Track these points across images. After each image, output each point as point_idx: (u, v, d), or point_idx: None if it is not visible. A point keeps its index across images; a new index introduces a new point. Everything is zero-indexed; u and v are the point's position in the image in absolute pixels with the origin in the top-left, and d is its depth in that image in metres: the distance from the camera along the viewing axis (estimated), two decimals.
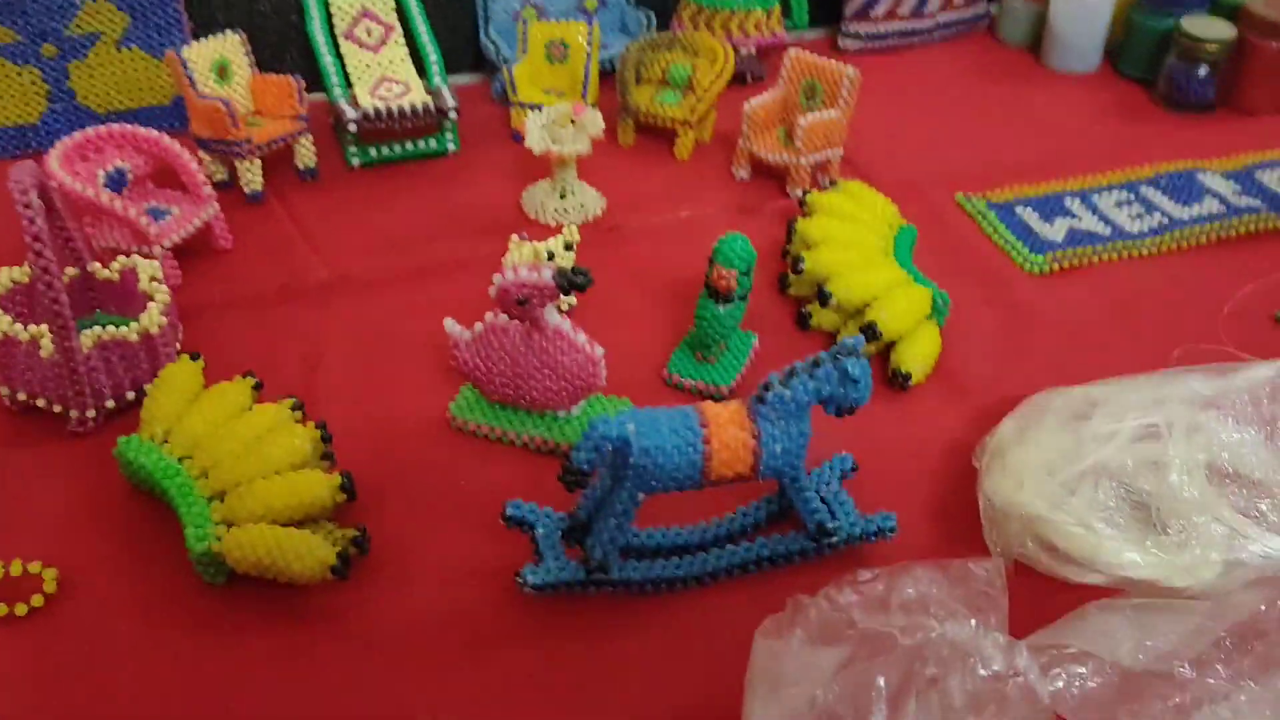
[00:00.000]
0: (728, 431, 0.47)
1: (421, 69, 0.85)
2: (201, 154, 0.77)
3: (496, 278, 0.53)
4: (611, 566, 0.49)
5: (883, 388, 0.62)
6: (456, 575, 0.52)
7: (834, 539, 0.51)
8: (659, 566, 0.50)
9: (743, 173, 0.82)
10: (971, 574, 0.46)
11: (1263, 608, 0.48)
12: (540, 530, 0.50)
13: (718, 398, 0.61)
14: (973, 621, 0.45)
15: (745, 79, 0.94)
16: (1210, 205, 0.76)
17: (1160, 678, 0.42)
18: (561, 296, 0.54)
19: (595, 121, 0.74)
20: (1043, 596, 0.49)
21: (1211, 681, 0.42)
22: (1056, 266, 0.72)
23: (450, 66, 0.95)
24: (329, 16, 0.84)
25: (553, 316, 0.55)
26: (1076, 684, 0.42)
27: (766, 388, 0.47)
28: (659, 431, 0.46)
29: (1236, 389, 0.55)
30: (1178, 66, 0.89)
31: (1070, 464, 0.52)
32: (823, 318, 0.65)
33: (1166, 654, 0.45)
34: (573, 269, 0.52)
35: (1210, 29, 0.87)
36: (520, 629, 0.50)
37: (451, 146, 0.83)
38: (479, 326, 0.57)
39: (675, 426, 0.47)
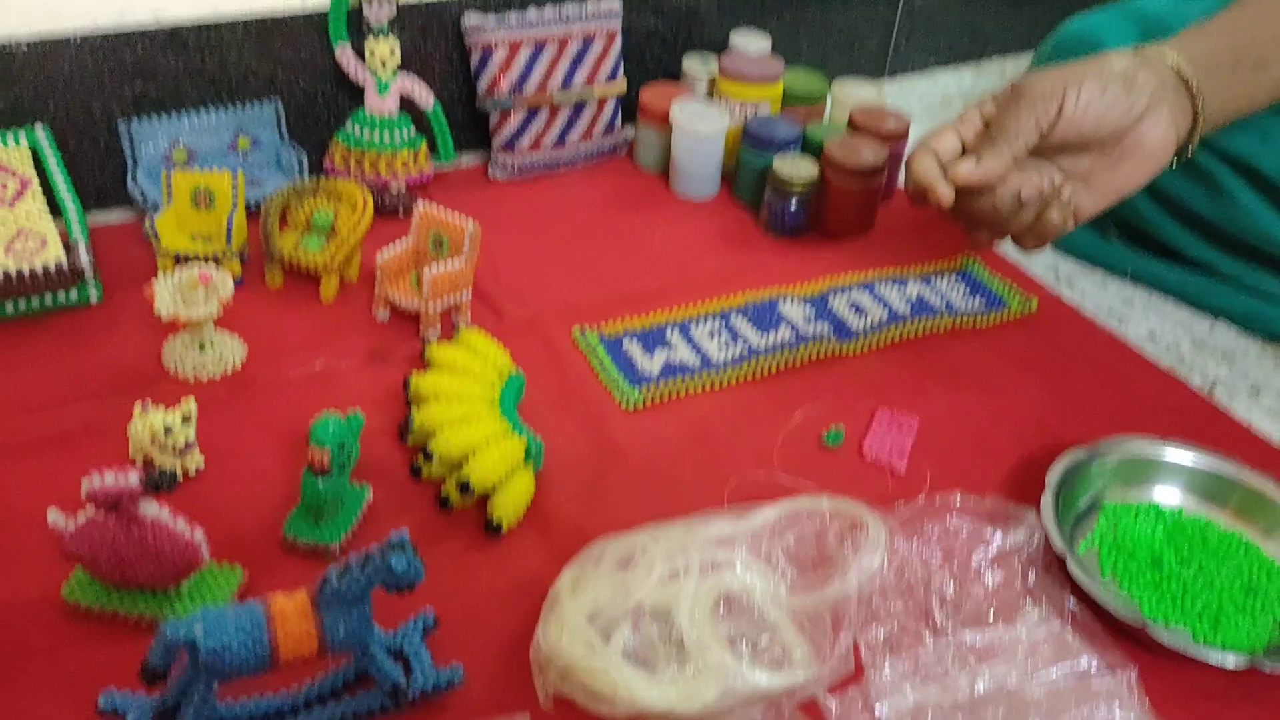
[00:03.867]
0: (292, 622, 0.54)
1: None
2: None
3: (85, 483, 0.58)
4: None
5: (480, 537, 0.71)
6: None
7: (408, 696, 0.58)
8: None
9: (383, 314, 0.88)
10: None
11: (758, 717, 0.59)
12: (131, 718, 0.55)
13: (329, 555, 0.68)
14: None
15: (399, 213, 1.01)
16: (785, 333, 0.89)
17: None
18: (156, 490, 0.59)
19: (225, 285, 0.79)
20: None
21: None
22: (650, 400, 0.83)
23: (102, 201, 0.98)
24: None
25: (149, 509, 0.60)
26: None
27: (326, 582, 0.54)
28: (225, 630, 0.53)
29: (747, 530, 0.66)
30: (774, 199, 1.03)
31: (612, 608, 0.62)
32: (430, 469, 0.73)
33: None
34: (159, 472, 0.58)
35: (797, 169, 1.01)
36: None
37: (94, 297, 0.86)
38: (81, 517, 0.61)
39: (241, 624, 0.53)
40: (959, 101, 1.35)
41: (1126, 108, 0.79)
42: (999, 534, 0.70)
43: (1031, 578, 0.68)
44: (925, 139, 0.84)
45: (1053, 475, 0.73)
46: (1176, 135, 0.82)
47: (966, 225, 0.84)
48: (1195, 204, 0.93)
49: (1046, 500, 0.71)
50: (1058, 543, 0.68)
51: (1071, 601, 0.66)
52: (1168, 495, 0.76)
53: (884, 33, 1.32)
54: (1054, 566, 0.69)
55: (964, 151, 0.84)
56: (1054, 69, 0.81)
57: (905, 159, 0.85)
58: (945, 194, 0.80)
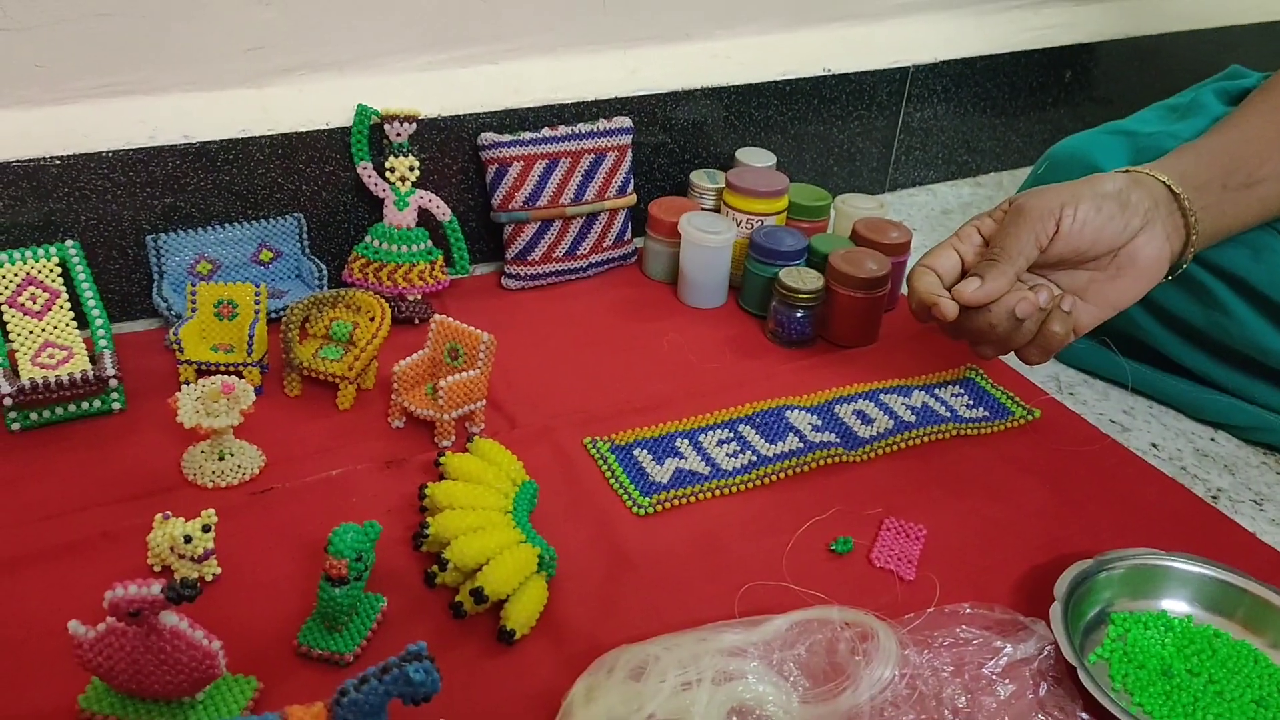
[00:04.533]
0: None
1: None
2: None
3: (108, 594, 0.59)
4: None
5: (492, 645, 0.71)
6: None
7: None
8: None
9: (398, 422, 0.90)
10: None
11: None
12: None
13: (343, 664, 0.68)
14: None
15: (414, 321, 1.04)
16: (792, 442, 0.91)
17: None
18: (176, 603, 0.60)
19: (247, 395, 0.81)
20: None
21: None
22: (660, 508, 0.84)
23: (127, 310, 1.01)
24: None
25: (169, 619, 0.60)
26: None
27: (343, 693, 0.55)
28: None
29: (759, 640, 0.67)
30: (780, 309, 1.05)
31: (625, 719, 0.62)
32: (445, 577, 0.74)
33: None
34: (181, 582, 0.59)
35: (803, 280, 1.04)
36: None
37: (117, 406, 0.88)
38: (101, 627, 0.62)
39: None
40: (958, 213, 1.39)
41: (1121, 225, 0.82)
42: (1009, 644, 0.70)
43: (1043, 689, 0.68)
44: (924, 258, 0.86)
45: (1061, 586, 0.73)
46: (1170, 251, 0.85)
47: (970, 341, 0.87)
48: (1192, 318, 0.96)
49: (1056, 611, 0.71)
50: (1069, 654, 0.68)
51: (1084, 714, 0.67)
52: (1176, 605, 0.76)
53: (884, 149, 1.37)
54: (1065, 678, 0.69)
55: (963, 267, 0.86)
56: (1050, 188, 0.85)
57: (907, 276, 0.87)
58: (949, 308, 0.82)
